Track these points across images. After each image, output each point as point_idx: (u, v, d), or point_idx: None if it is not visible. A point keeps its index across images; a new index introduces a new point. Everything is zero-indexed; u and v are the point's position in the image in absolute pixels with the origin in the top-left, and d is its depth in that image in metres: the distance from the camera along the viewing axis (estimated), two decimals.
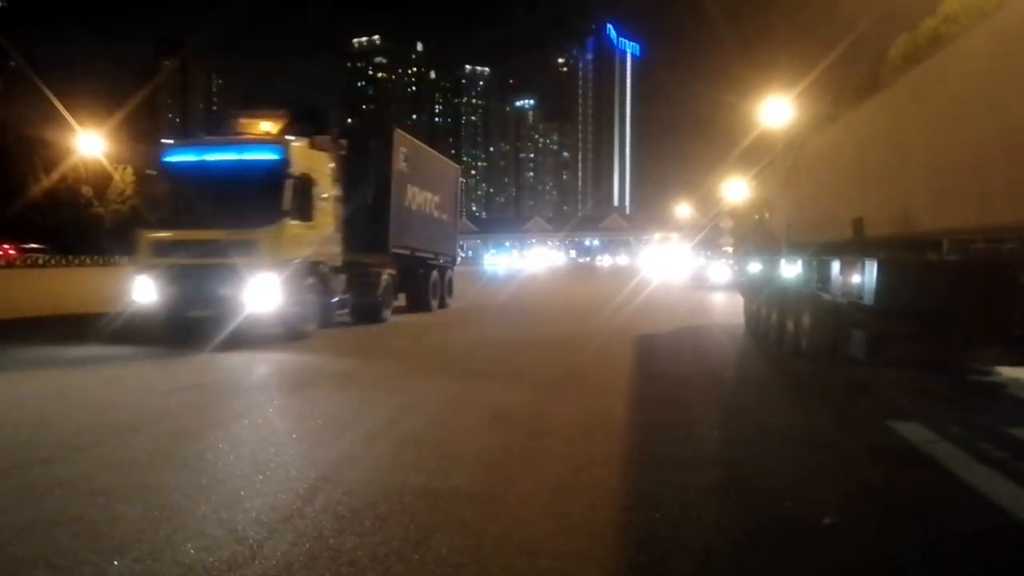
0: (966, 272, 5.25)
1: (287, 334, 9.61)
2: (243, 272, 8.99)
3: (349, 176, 11.31)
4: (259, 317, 9.29)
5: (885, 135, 6.31)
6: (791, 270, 8.12)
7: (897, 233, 5.87)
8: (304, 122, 10.92)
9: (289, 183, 9.52)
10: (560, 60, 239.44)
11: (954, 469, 4.03)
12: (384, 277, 12.45)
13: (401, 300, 14.34)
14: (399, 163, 12.82)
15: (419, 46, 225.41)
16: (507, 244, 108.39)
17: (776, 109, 13.88)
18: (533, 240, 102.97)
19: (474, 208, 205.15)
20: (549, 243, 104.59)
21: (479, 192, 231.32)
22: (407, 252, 13.53)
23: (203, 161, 9.99)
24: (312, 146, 10.36)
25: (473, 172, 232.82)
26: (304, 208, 9.88)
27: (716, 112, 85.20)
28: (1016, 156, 4.25)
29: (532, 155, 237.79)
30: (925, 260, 5.59)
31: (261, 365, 7.98)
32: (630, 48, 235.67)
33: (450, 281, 16.73)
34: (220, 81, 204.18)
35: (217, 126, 11.32)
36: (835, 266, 6.29)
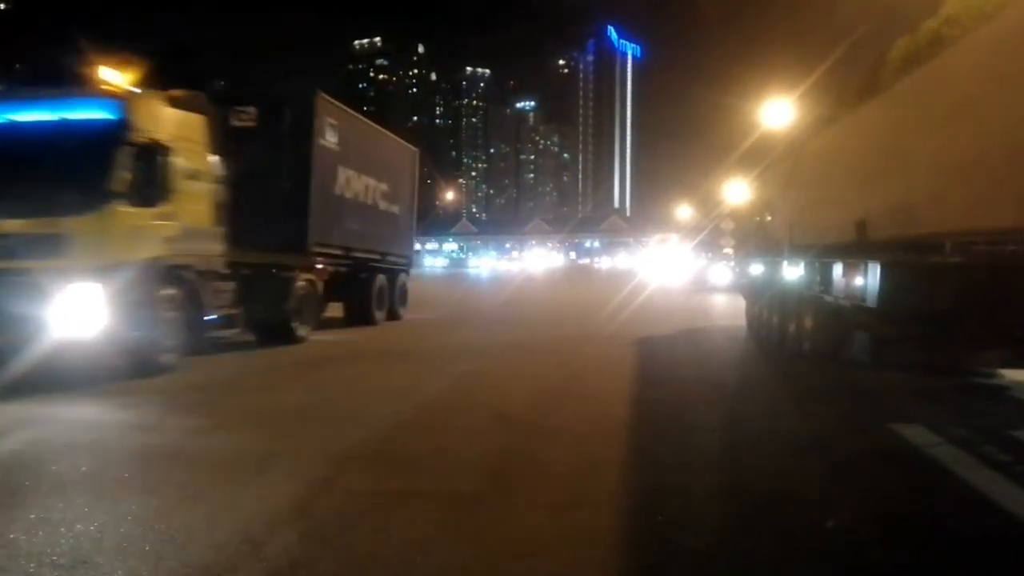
0: (969, 274, 5.24)
1: (132, 368, 6.74)
2: (46, 280, 6.29)
3: (249, 151, 8.56)
4: (82, 345, 6.45)
5: (887, 137, 6.31)
6: (793, 272, 8.11)
7: (900, 235, 5.86)
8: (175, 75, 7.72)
9: (126, 152, 6.70)
10: (560, 62, 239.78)
11: (958, 472, 4.03)
12: (299, 284, 9.72)
13: (339, 312, 12.03)
14: (324, 138, 10.22)
15: (420, 48, 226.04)
16: (508, 245, 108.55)
17: (776, 111, 13.90)
18: (533, 242, 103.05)
19: (474, 209, 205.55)
20: (549, 244, 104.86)
21: (479, 193, 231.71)
22: (339, 252, 11.00)
23: (9, 122, 7.07)
24: (174, 104, 7.55)
25: (473, 174, 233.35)
26: (151, 188, 6.98)
27: (716, 113, 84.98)
28: (1018, 158, 4.24)
29: (532, 157, 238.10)
30: (928, 262, 5.58)
31: (7, 438, 4.66)
32: (631, 50, 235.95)
33: (403, 287, 14.09)
34: (223, 83, 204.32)
35: (44, 74, 7.69)
36: (838, 268, 6.29)
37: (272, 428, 5.01)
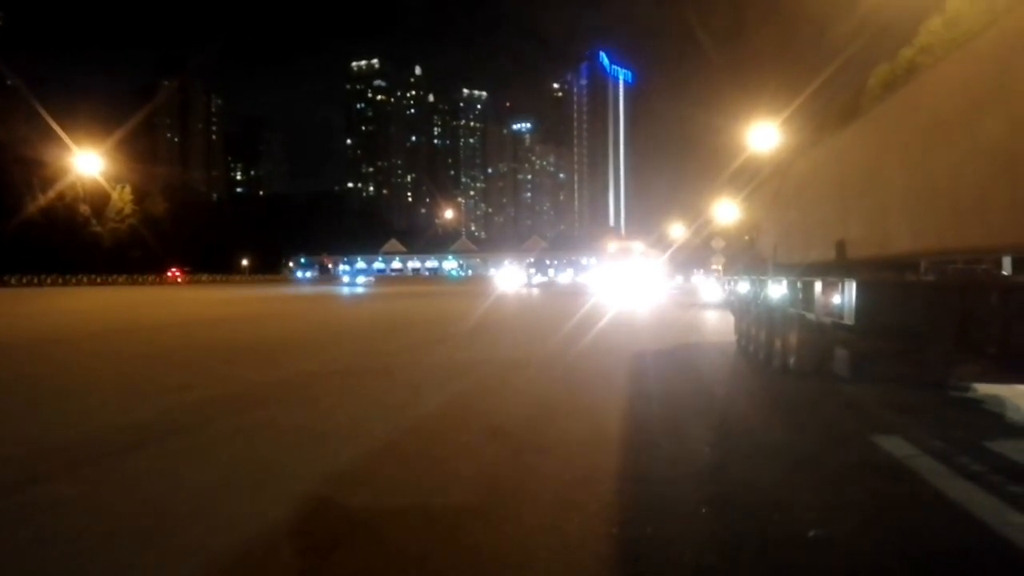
0: (943, 292, 5.41)
1: None
2: None
3: None
4: None
5: (865, 160, 6.53)
6: (778, 290, 8.30)
7: (877, 254, 6.07)
8: None
9: None
10: (555, 85, 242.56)
11: (935, 483, 4.14)
12: None
13: None
14: None
15: (417, 70, 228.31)
16: (506, 262, 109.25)
17: (763, 133, 14.24)
18: (506, 261, 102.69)
19: (473, 228, 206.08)
20: (548, 261, 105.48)
21: (478, 212, 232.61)
22: None
23: None
24: None
25: (472, 193, 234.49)
26: None
27: (707, 135, 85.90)
28: (986, 180, 4.45)
29: (529, 176, 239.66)
30: (903, 280, 5.77)
31: None
32: (622, 74, 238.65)
33: None
34: (219, 102, 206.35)
35: None
36: (818, 286, 6.47)
37: None
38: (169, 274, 71.17)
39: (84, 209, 64.62)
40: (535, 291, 44.65)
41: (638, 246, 39.65)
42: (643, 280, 31.90)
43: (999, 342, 5.03)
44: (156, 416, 6.15)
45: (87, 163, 50.42)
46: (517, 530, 3.38)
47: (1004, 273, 5.49)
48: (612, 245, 41.94)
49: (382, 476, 4.35)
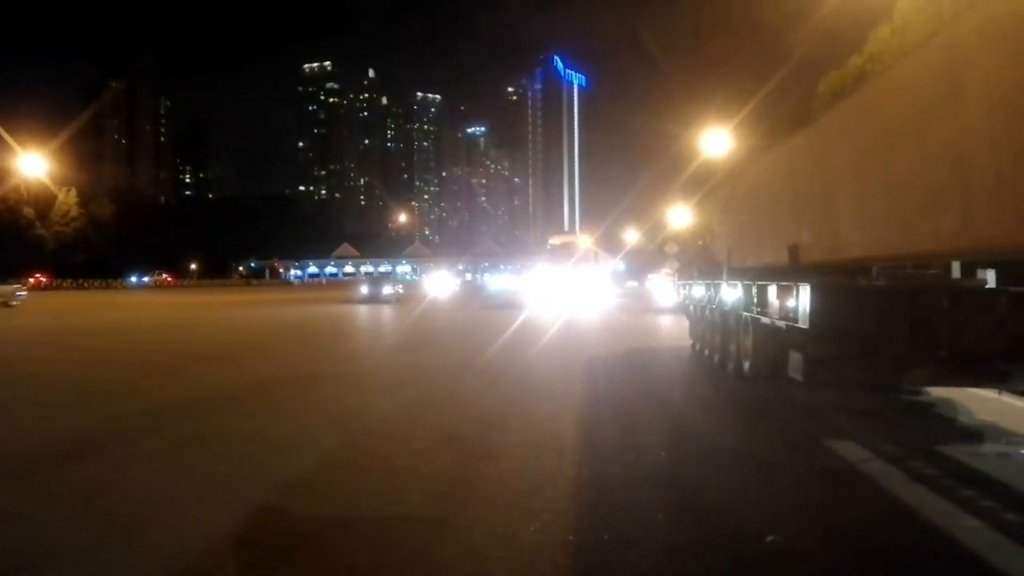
0: (894, 296, 5.48)
1: None
2: None
3: None
4: None
5: (815, 165, 6.61)
6: (732, 294, 8.34)
7: (829, 259, 6.12)
8: None
9: None
10: (509, 89, 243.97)
11: (887, 486, 4.17)
12: None
13: None
14: None
15: (370, 72, 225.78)
16: (460, 267, 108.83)
17: (715, 139, 14.51)
18: (433, 265, 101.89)
19: (427, 232, 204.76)
20: (502, 266, 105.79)
21: (432, 216, 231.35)
22: None
23: None
24: None
25: (426, 197, 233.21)
26: None
27: (660, 141, 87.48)
28: (935, 186, 4.50)
29: (484, 180, 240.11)
30: (855, 285, 5.83)
31: None
32: (576, 79, 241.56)
33: None
34: (168, 103, 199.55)
35: None
36: (772, 290, 6.50)
37: None
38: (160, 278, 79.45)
39: (28, 212, 62.03)
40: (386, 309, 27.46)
41: (585, 241, 33.27)
42: (590, 284, 26.40)
43: (949, 346, 5.11)
44: None
45: (31, 165, 48.51)
46: (471, 539, 3.27)
47: (954, 277, 5.59)
48: (554, 239, 33.85)
49: None
